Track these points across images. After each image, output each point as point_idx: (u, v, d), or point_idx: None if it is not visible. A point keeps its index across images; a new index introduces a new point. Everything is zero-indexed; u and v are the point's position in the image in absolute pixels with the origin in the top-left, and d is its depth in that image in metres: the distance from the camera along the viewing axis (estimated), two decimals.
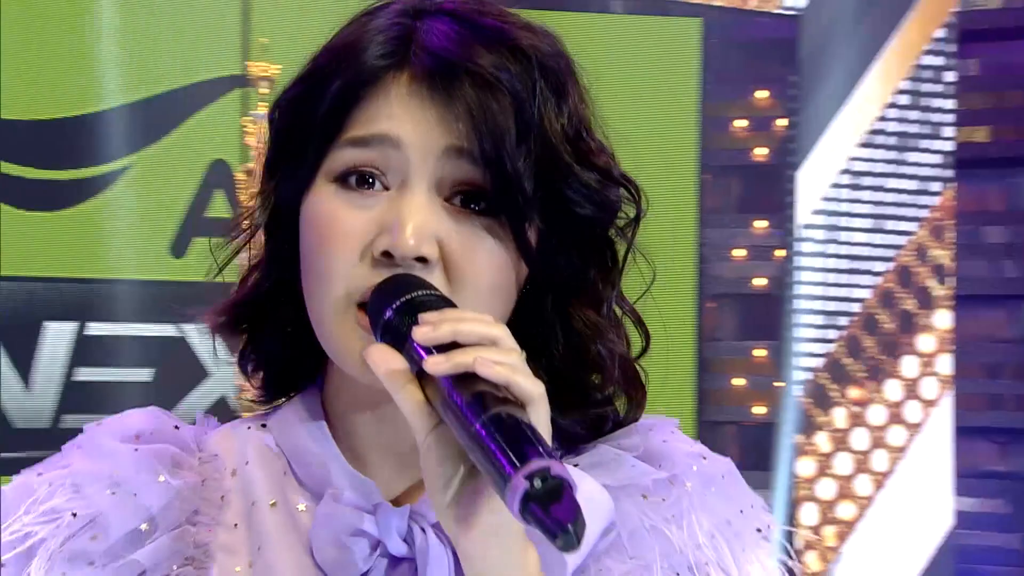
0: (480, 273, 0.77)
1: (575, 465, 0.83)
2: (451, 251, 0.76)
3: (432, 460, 0.70)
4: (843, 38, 4.62)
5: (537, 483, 0.63)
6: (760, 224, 4.88)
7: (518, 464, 0.64)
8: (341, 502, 0.80)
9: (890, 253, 4.49)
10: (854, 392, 4.39)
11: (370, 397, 0.81)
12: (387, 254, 0.75)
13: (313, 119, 0.77)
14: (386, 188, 0.77)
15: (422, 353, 0.70)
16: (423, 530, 0.79)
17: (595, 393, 0.84)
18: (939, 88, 4.56)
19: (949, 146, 4.49)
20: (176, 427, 0.85)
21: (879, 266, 4.48)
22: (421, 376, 0.70)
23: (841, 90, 4.57)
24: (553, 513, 0.62)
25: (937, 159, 4.53)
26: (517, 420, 0.67)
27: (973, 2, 4.43)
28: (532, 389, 0.69)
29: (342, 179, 0.77)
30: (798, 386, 4.42)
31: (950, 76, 4.49)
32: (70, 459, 0.82)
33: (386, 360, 0.71)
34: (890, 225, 4.50)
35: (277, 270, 0.82)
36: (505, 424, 0.66)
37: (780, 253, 4.78)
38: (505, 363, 0.68)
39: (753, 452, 4.09)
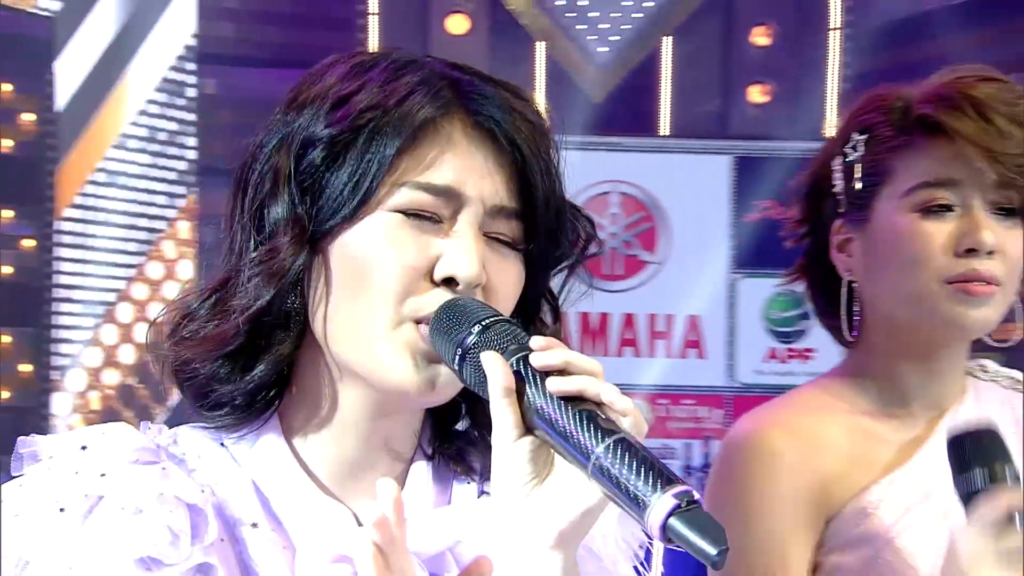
0: (508, 296, 0.83)
1: None
2: (491, 277, 0.81)
3: (508, 470, 0.74)
4: (97, 44, 4.82)
5: (683, 504, 0.66)
6: (7, 214, 4.91)
7: (662, 485, 0.67)
8: (321, 528, 0.82)
9: (144, 248, 4.81)
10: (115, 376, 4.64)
11: (352, 416, 0.84)
12: (449, 280, 0.79)
13: (365, 158, 0.80)
14: (440, 220, 0.81)
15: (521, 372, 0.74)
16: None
17: None
18: (182, 102, 4.98)
19: (192, 155, 4.93)
20: (159, 446, 0.84)
21: (135, 259, 4.78)
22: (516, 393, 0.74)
23: (97, 94, 4.77)
24: (707, 535, 0.65)
25: (183, 166, 4.95)
26: (641, 445, 0.70)
27: (210, 29, 4.88)
28: (643, 423, 0.73)
29: (405, 212, 0.80)
30: (56, 371, 4.56)
31: (191, 92, 4.95)
32: (93, 480, 0.80)
33: (507, 377, 0.74)
34: (143, 223, 4.81)
35: (285, 295, 0.81)
36: (633, 447, 0.69)
37: (29, 243, 4.83)
38: (623, 396, 0.73)
39: None
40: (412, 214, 0.80)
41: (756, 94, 4.83)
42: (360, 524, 0.83)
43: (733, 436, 1.23)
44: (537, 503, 0.74)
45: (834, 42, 4.85)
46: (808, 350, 4.51)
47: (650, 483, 0.67)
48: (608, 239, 4.44)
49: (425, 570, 0.83)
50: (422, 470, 0.88)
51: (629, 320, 4.47)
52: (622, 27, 4.79)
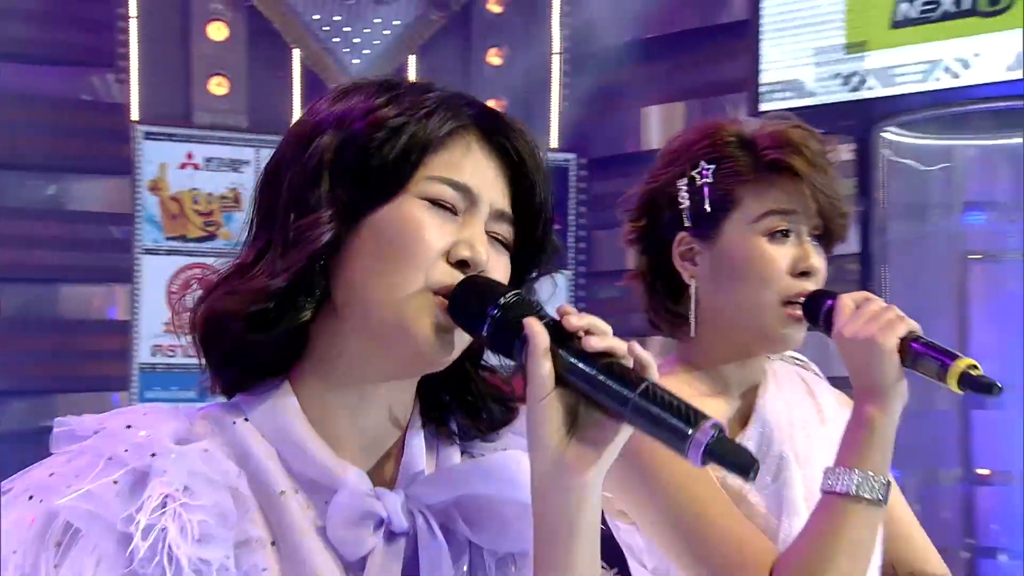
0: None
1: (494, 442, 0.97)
2: (487, 268, 0.90)
3: (548, 417, 0.82)
4: None
5: (714, 435, 0.76)
6: None
7: (696, 420, 0.77)
8: (347, 489, 0.86)
9: None
10: None
11: (363, 383, 0.89)
12: (463, 262, 0.88)
13: (402, 153, 0.88)
14: (456, 213, 0.90)
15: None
16: (421, 512, 0.89)
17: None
18: None
19: None
20: (191, 425, 0.88)
21: None
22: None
23: None
24: (740, 456, 0.76)
25: None
26: (665, 388, 0.80)
27: None
28: (656, 370, 0.83)
29: (432, 200, 0.89)
30: None
31: None
32: (146, 460, 0.82)
33: (546, 338, 0.83)
34: None
35: (314, 266, 0.87)
36: (662, 390, 0.80)
37: None
38: (643, 349, 0.83)
39: None
40: (437, 203, 0.89)
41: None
42: (375, 485, 0.89)
43: None
44: (575, 443, 0.84)
45: (556, 64, 5.42)
46: None
47: (685, 419, 0.77)
48: None
49: (435, 522, 0.90)
50: (418, 435, 0.94)
51: None
52: (373, 42, 5.10)
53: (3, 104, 4.94)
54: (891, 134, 4.47)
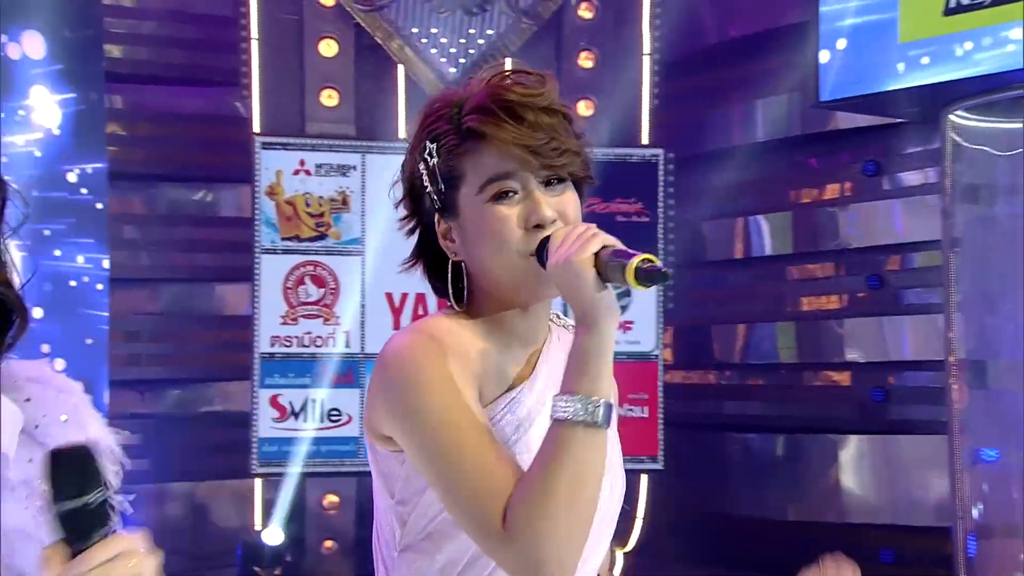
0: None
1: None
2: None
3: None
4: None
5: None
6: None
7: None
8: None
9: None
10: None
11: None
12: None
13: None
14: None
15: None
16: None
17: None
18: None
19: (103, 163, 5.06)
20: None
21: None
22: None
23: None
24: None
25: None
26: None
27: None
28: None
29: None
30: None
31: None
32: None
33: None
34: None
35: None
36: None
37: None
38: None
39: None
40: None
41: (582, 108, 5.18)
42: None
43: (393, 347, 1.26)
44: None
45: (646, 65, 5.23)
46: (630, 322, 4.93)
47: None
48: None
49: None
50: None
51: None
52: (469, 51, 5.07)
53: (147, 121, 5.18)
54: (958, 118, 4.07)
